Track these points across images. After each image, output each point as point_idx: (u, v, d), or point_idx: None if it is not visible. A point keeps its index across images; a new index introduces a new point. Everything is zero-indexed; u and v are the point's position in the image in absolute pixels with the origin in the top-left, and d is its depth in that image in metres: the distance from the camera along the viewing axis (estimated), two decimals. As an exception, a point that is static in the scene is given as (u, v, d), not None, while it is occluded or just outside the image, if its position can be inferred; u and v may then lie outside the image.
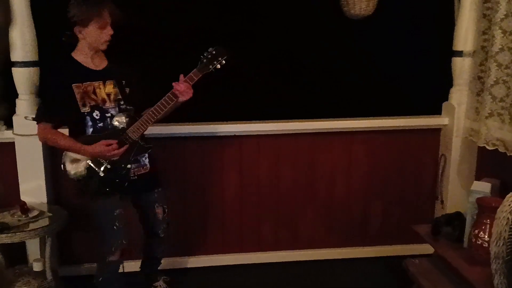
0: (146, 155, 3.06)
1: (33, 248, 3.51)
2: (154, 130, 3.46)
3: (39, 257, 3.43)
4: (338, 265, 4.00)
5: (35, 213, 3.21)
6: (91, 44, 2.87)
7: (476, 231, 2.86)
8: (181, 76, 2.91)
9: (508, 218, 2.14)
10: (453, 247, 3.11)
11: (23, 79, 3.31)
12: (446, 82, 3.85)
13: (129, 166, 2.95)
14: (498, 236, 2.17)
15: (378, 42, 4.03)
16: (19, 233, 3.02)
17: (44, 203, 3.46)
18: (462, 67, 3.71)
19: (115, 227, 2.96)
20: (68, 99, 2.83)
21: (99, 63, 2.97)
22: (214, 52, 2.92)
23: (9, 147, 3.42)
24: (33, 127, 3.30)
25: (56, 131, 2.91)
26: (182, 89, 2.88)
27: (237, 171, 3.88)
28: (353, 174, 4.00)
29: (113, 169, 2.91)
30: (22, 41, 3.26)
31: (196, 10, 3.86)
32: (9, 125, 3.45)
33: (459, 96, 3.77)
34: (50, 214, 3.26)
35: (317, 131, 3.88)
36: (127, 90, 3.03)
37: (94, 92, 2.90)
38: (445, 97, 3.91)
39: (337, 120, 3.91)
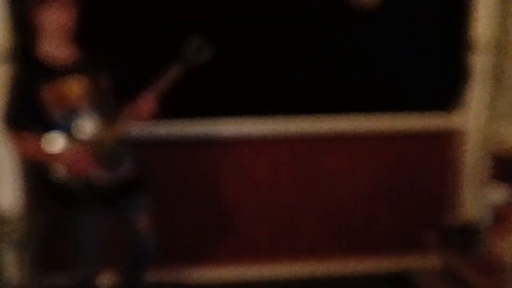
0: (129, 160, 2.87)
1: (9, 258, 3.35)
2: (147, 131, 3.39)
3: (17, 267, 3.31)
4: (340, 274, 3.91)
5: (11, 220, 3.15)
6: (48, 30, 2.63)
7: (490, 239, 2.84)
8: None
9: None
10: (463, 256, 3.11)
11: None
12: (457, 81, 3.75)
13: (112, 183, 2.75)
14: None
15: (380, 40, 3.91)
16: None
17: (21, 210, 3.34)
18: (478, 66, 3.60)
19: (91, 244, 2.82)
20: (36, 103, 2.61)
21: (68, 55, 2.73)
22: (194, 43, 2.79)
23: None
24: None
25: (26, 136, 2.68)
26: (143, 108, 2.75)
27: (234, 174, 3.81)
28: (357, 179, 3.90)
29: (89, 181, 2.70)
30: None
31: (192, 7, 3.75)
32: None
33: (474, 97, 3.68)
34: (28, 221, 3.18)
35: (318, 132, 3.78)
36: (104, 86, 2.79)
37: (65, 94, 2.65)
38: (459, 99, 3.79)
39: (340, 122, 3.80)
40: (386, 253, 3.99)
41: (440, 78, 3.89)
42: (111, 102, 2.81)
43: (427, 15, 3.84)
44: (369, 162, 3.89)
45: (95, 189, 2.71)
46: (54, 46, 2.67)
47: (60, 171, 2.66)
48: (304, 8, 3.78)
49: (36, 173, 2.75)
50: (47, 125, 2.63)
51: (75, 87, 2.67)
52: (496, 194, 3.05)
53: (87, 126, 2.68)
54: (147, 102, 2.72)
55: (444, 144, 3.89)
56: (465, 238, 3.16)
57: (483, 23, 3.52)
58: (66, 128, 2.64)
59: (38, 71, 2.63)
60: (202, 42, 2.76)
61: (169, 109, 3.00)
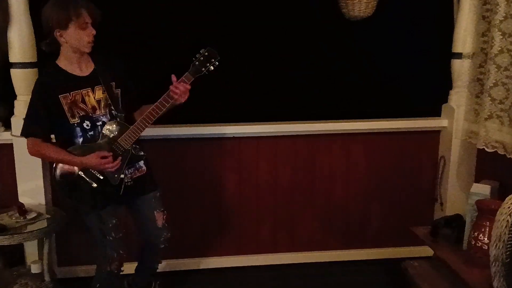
0: (142, 158, 2.98)
1: (31, 249, 3.49)
2: (152, 132, 3.46)
3: (37, 258, 3.43)
4: (337, 267, 3.98)
5: (33, 214, 3.21)
6: (74, 47, 2.73)
7: (476, 233, 2.86)
8: (173, 77, 2.79)
9: (507, 220, 2.13)
10: (452, 250, 3.11)
11: (21, 80, 3.30)
12: (445, 84, 3.85)
13: (122, 176, 2.85)
14: (498, 239, 2.16)
15: (377, 43, 4.03)
16: (17, 235, 3.00)
17: (42, 205, 3.43)
18: (461, 69, 3.70)
19: (110, 238, 2.89)
20: (55, 111, 2.74)
21: (85, 68, 2.83)
22: (206, 54, 2.79)
23: (8, 148, 3.41)
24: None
25: (46, 144, 2.80)
26: (182, 91, 2.75)
27: (236, 173, 3.87)
28: (352, 176, 3.99)
29: (105, 180, 2.82)
30: (20, 42, 3.25)
31: (193, 10, 3.84)
32: (8, 126, 3.44)
33: (459, 98, 3.77)
34: (48, 216, 3.25)
35: (316, 133, 3.87)
36: (118, 92, 2.90)
37: (83, 101, 2.78)
38: (445, 99, 3.91)
39: (336, 122, 3.91)
40: (379, 246, 4.08)
41: (428, 83, 4.01)
42: (126, 105, 2.92)
43: (414, 26, 3.98)
44: (363, 160, 3.97)
45: (111, 187, 2.83)
46: (75, 59, 2.78)
47: (78, 173, 2.81)
48: (301, 20, 3.90)
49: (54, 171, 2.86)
50: (66, 130, 2.77)
51: (90, 96, 2.80)
52: (482, 189, 3.06)
53: (105, 130, 2.80)
54: (183, 85, 2.76)
55: (433, 143, 3.98)
56: (453, 232, 3.17)
57: (466, 32, 3.61)
58: (83, 132, 2.78)
59: (58, 80, 2.75)
60: (211, 52, 2.80)
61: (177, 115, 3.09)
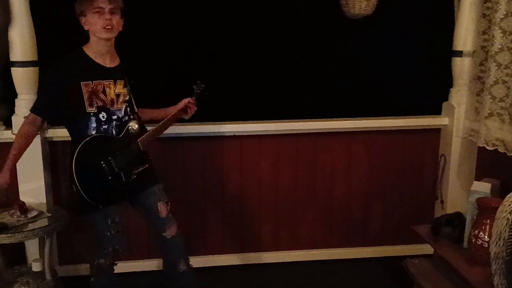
0: (146, 152, 2.99)
1: (32, 248, 3.50)
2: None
3: (38, 257, 3.43)
4: (338, 265, 3.99)
5: (34, 213, 3.21)
6: (94, 32, 2.75)
7: (476, 231, 2.85)
8: (190, 99, 3.07)
9: (508, 218, 2.14)
10: (453, 248, 3.11)
11: (22, 79, 3.31)
12: (446, 82, 3.85)
13: (134, 177, 2.86)
14: (498, 236, 2.17)
15: (378, 41, 4.04)
16: (18, 233, 3.01)
17: (44, 203, 3.45)
18: (461, 67, 3.70)
19: (108, 234, 2.90)
20: (74, 97, 2.74)
21: (111, 61, 2.86)
22: (202, 87, 3.15)
23: (9, 147, 3.37)
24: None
25: (29, 133, 2.86)
26: (194, 111, 3.07)
27: (237, 171, 3.88)
28: (353, 174, 4.00)
29: (118, 174, 2.81)
30: (21, 41, 3.25)
31: (193, 14, 3.86)
32: (9, 125, 3.45)
33: (459, 96, 3.77)
34: (49, 215, 3.26)
35: (318, 131, 3.87)
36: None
37: (104, 92, 2.80)
38: (445, 97, 3.91)
39: (337, 120, 3.91)
40: (380, 244, 4.09)
41: (429, 81, 4.03)
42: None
43: (415, 24, 3.99)
44: (364, 158, 3.97)
45: (120, 182, 2.83)
46: (101, 48, 2.80)
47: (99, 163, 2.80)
48: (303, 19, 3.92)
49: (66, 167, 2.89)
50: (81, 119, 2.77)
51: (111, 89, 2.82)
52: (482, 187, 3.04)
53: (130, 127, 2.84)
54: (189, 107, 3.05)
55: (433, 141, 3.98)
56: (454, 230, 3.16)
57: (467, 30, 3.61)
58: (98, 124, 2.78)
59: (82, 66, 2.78)
60: (202, 86, 3.15)
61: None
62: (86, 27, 2.76)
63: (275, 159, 3.89)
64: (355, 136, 3.94)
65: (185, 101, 3.05)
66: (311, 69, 4.06)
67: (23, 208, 3.19)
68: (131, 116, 2.88)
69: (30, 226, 3.10)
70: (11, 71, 3.30)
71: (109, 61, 2.85)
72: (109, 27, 2.72)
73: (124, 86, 2.86)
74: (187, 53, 3.50)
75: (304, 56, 4.05)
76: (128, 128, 2.82)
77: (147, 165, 2.96)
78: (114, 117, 2.82)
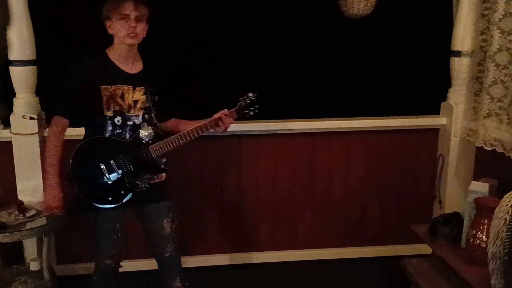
0: (163, 164, 2.92)
1: (30, 247, 3.49)
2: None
3: (36, 256, 3.42)
4: (336, 265, 4.00)
5: (32, 212, 3.21)
6: (117, 38, 2.73)
7: (474, 231, 2.86)
8: (225, 111, 2.87)
9: (505, 218, 2.14)
10: (450, 247, 3.12)
11: (21, 78, 3.31)
12: (444, 82, 3.85)
13: (143, 185, 2.80)
14: (496, 236, 2.17)
15: (377, 41, 4.04)
16: (16, 232, 3.00)
17: (41, 203, 3.42)
18: (460, 67, 3.71)
19: (109, 238, 2.85)
20: (92, 99, 2.71)
21: (133, 66, 2.83)
22: (253, 99, 2.92)
23: (6, 146, 3.41)
24: (31, 126, 3.36)
25: (61, 135, 2.75)
26: (228, 124, 2.88)
27: (235, 170, 3.88)
28: (351, 174, 4.00)
29: (121, 181, 2.76)
30: (19, 40, 3.25)
31: (193, 13, 3.85)
32: (7, 124, 3.44)
33: (457, 96, 3.77)
34: (47, 214, 3.23)
35: (316, 131, 3.88)
36: (156, 98, 2.89)
37: (122, 96, 2.76)
38: (443, 97, 3.91)
39: (335, 120, 3.91)
40: (378, 244, 4.10)
41: (427, 81, 4.02)
42: (157, 115, 2.90)
43: (414, 24, 3.98)
44: (362, 158, 3.98)
45: (123, 188, 2.76)
46: (124, 53, 2.78)
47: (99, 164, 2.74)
48: (302, 18, 3.91)
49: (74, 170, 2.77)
50: (97, 121, 2.75)
51: (130, 94, 2.78)
52: (480, 187, 3.06)
53: (141, 133, 2.78)
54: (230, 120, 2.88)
55: (432, 141, 3.99)
56: (452, 230, 3.17)
57: (465, 30, 3.62)
58: (113, 127, 2.75)
59: (103, 69, 2.75)
60: (255, 99, 2.92)
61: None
62: (110, 31, 2.75)
63: (273, 158, 3.89)
64: (353, 136, 3.95)
65: (219, 113, 2.88)
66: (312, 69, 4.05)
67: (21, 207, 3.19)
68: (146, 124, 2.82)
69: (28, 225, 3.10)
70: (10, 70, 3.30)
71: (130, 67, 2.82)
72: (133, 34, 2.71)
73: (144, 93, 2.82)
74: (187, 52, 3.47)
75: (305, 56, 4.05)
76: (138, 133, 2.78)
77: (163, 178, 2.91)
78: (129, 122, 2.79)
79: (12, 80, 3.32)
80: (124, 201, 2.79)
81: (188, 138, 2.81)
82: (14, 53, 3.27)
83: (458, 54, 3.69)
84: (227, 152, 3.85)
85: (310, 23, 3.96)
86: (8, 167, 3.44)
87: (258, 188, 3.93)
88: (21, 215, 3.16)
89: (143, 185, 2.82)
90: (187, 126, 2.87)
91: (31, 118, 3.35)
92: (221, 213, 3.94)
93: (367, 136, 3.96)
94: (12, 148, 3.40)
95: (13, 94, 3.38)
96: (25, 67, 3.28)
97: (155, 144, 2.78)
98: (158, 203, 2.92)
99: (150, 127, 2.80)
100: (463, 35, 3.64)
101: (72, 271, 3.76)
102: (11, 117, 3.37)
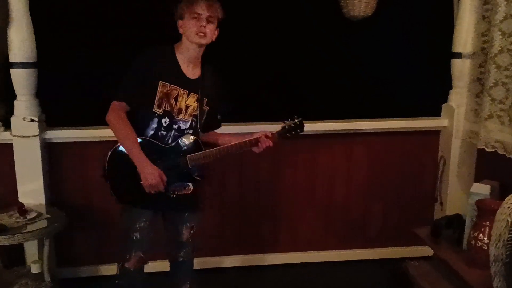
0: (198, 173, 2.91)
1: (31, 249, 3.49)
2: None
3: (37, 259, 3.43)
4: (337, 267, 3.99)
5: (33, 214, 3.20)
6: (187, 37, 2.72)
7: (476, 233, 2.86)
8: (267, 132, 2.84)
9: (507, 220, 2.14)
10: (452, 250, 3.12)
11: (21, 80, 3.31)
12: (445, 83, 3.85)
13: (170, 193, 2.81)
14: (498, 238, 2.16)
15: (378, 43, 4.04)
16: (17, 235, 2.99)
17: (42, 205, 3.44)
18: (461, 69, 3.70)
19: (134, 238, 2.85)
20: (148, 91, 2.71)
21: (193, 72, 2.82)
22: (297, 123, 2.91)
23: (7, 148, 3.41)
24: (31, 128, 3.36)
25: (126, 120, 2.72)
26: (266, 146, 2.83)
27: (237, 172, 3.87)
28: (353, 176, 3.99)
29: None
30: (20, 42, 3.25)
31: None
32: (8, 127, 3.43)
33: (459, 98, 3.77)
34: (48, 216, 3.25)
35: (317, 132, 3.85)
36: (206, 109, 2.88)
37: (176, 98, 2.76)
38: (445, 99, 3.91)
39: (337, 122, 3.90)
40: (380, 246, 4.09)
41: (428, 83, 4.03)
42: (203, 125, 2.89)
43: (414, 26, 3.99)
44: (364, 160, 3.97)
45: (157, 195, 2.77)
46: (189, 55, 2.78)
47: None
48: (302, 21, 3.91)
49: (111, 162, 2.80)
50: (145, 116, 2.75)
51: (183, 98, 2.78)
52: (482, 189, 3.08)
53: (182, 140, 2.79)
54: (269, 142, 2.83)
55: (433, 143, 3.99)
56: (454, 232, 3.19)
57: (467, 32, 3.61)
58: (158, 127, 2.76)
59: (167, 65, 2.75)
60: (301, 123, 2.92)
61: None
62: (180, 30, 2.75)
63: (275, 160, 3.88)
64: (354, 138, 3.94)
65: (260, 133, 2.85)
66: (313, 69, 4.06)
67: (22, 210, 3.18)
68: (191, 131, 2.83)
69: (29, 228, 3.09)
70: (10, 72, 3.30)
71: (191, 71, 2.82)
72: (202, 34, 2.70)
73: (197, 101, 2.82)
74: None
75: (303, 58, 4.05)
76: (179, 141, 2.78)
77: (189, 191, 2.90)
78: (175, 126, 2.79)
79: (13, 82, 3.32)
80: (151, 205, 2.81)
81: (227, 153, 2.82)
82: (15, 55, 3.27)
83: (459, 55, 3.69)
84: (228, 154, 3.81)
85: (311, 24, 3.96)
86: (8, 169, 3.44)
87: (260, 190, 3.93)
88: (22, 218, 3.16)
89: (170, 193, 2.82)
90: (226, 141, 2.90)
91: (32, 120, 3.35)
92: (222, 215, 3.93)
93: (368, 137, 3.95)
94: (13, 150, 3.39)
95: (13, 96, 3.37)
96: (25, 69, 3.28)
97: (194, 154, 2.78)
98: (181, 212, 2.95)
99: (192, 136, 2.81)
100: (465, 37, 3.64)
101: (73, 274, 3.74)
102: (12, 119, 3.37)
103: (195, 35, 2.70)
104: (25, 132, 3.35)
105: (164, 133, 2.77)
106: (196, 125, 2.85)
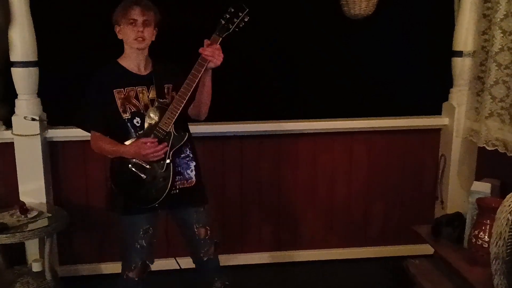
0: (192, 167, 2.88)
1: (32, 248, 3.50)
2: None
3: (38, 257, 3.43)
4: (338, 265, 3.99)
5: (34, 213, 3.21)
6: (127, 42, 2.76)
7: (476, 231, 2.86)
8: (206, 41, 2.65)
9: (508, 218, 2.14)
10: (453, 248, 3.12)
11: (23, 79, 3.32)
12: (446, 82, 3.85)
13: (168, 161, 2.73)
14: (498, 237, 2.17)
15: (378, 42, 4.04)
16: (18, 233, 3.00)
17: (44, 204, 3.44)
18: (462, 67, 3.70)
19: (138, 246, 2.81)
20: (109, 106, 2.73)
21: (144, 68, 2.83)
22: (232, 10, 2.64)
23: (8, 147, 3.42)
24: (33, 127, 3.37)
25: (103, 137, 2.77)
26: (210, 51, 2.61)
27: (238, 171, 3.88)
28: (354, 175, 4.00)
29: (153, 168, 2.73)
30: (21, 41, 3.26)
31: (195, 12, 3.85)
32: (9, 125, 3.44)
33: (459, 96, 3.77)
34: (50, 215, 3.25)
35: (318, 131, 3.87)
36: (174, 94, 2.78)
37: (137, 97, 2.77)
38: (445, 97, 3.91)
39: (337, 121, 3.91)
40: (381, 244, 4.10)
41: (429, 81, 4.03)
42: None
43: (415, 24, 3.99)
44: (365, 158, 3.98)
45: (160, 179, 2.74)
46: (134, 57, 2.79)
47: (129, 168, 2.74)
48: (303, 20, 3.91)
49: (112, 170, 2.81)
50: (119, 126, 2.75)
51: (144, 94, 2.78)
52: (482, 187, 3.08)
53: (146, 120, 2.75)
54: (211, 47, 2.63)
55: (434, 141, 3.99)
56: (454, 230, 3.18)
57: (467, 30, 3.62)
58: (134, 129, 2.74)
59: (114, 75, 2.77)
60: (237, 7, 2.66)
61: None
62: (119, 36, 2.78)
63: (276, 159, 3.89)
64: (355, 136, 3.94)
65: (200, 49, 2.65)
66: (313, 68, 4.06)
67: (23, 208, 3.19)
68: (157, 104, 2.79)
69: (30, 226, 3.10)
70: (11, 71, 3.30)
71: (143, 69, 2.83)
72: (140, 38, 2.72)
73: (157, 92, 2.80)
74: (187, 51, 3.43)
75: (304, 56, 4.05)
76: (145, 123, 2.75)
77: (192, 184, 2.88)
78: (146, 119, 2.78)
79: (14, 81, 3.33)
80: (155, 203, 2.76)
81: (187, 92, 2.68)
82: (16, 54, 3.28)
83: (460, 54, 3.69)
84: (229, 153, 3.85)
85: (311, 23, 3.96)
86: (10, 168, 3.45)
87: (261, 189, 3.93)
88: (23, 216, 3.16)
89: (173, 189, 2.78)
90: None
91: (33, 119, 3.35)
92: (222, 215, 3.92)
93: (369, 136, 3.95)
94: (14, 149, 3.40)
95: (14, 95, 3.38)
96: (27, 68, 3.29)
97: (163, 118, 2.72)
98: (187, 209, 2.92)
99: (153, 108, 2.75)
100: (465, 35, 3.65)
101: (74, 272, 3.75)
102: (13, 118, 3.38)
103: (134, 40, 2.72)
104: (26, 131, 3.36)
105: (141, 132, 2.75)
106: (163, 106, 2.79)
